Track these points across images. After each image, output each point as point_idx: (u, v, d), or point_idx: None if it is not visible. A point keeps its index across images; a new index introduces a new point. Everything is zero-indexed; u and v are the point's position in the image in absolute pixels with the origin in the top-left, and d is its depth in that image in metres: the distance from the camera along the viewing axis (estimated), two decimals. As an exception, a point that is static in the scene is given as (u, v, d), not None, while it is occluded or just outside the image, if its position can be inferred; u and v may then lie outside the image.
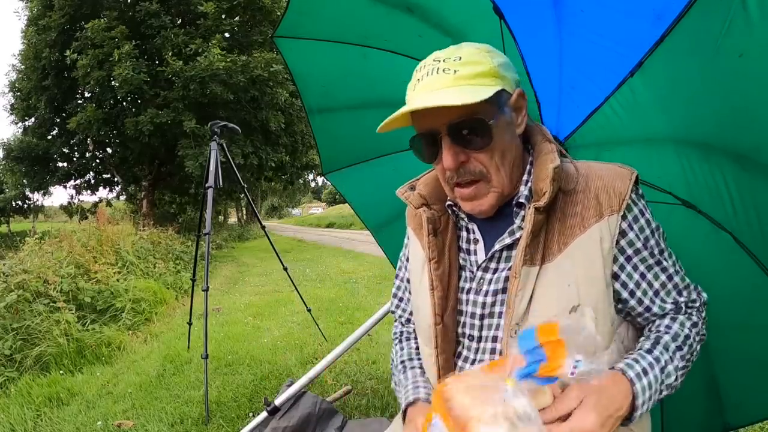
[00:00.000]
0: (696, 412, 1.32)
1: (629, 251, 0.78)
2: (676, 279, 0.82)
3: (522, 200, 0.80)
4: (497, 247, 0.82)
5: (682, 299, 0.83)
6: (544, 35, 1.08)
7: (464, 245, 0.89)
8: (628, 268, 0.79)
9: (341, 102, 1.63)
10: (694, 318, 0.83)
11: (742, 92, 0.86)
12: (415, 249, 0.94)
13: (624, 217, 0.77)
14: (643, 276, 0.80)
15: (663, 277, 0.81)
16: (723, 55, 0.82)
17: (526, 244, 0.75)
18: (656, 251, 0.80)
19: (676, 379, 0.77)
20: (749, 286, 1.07)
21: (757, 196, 0.96)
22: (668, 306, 0.82)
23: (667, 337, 0.79)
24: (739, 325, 1.14)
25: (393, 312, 1.11)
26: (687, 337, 0.79)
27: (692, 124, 1.02)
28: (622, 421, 0.70)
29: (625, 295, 0.80)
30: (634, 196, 0.79)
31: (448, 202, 0.89)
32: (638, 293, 0.80)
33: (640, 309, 0.82)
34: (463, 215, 0.87)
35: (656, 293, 0.81)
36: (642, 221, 0.79)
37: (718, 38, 0.80)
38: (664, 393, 0.76)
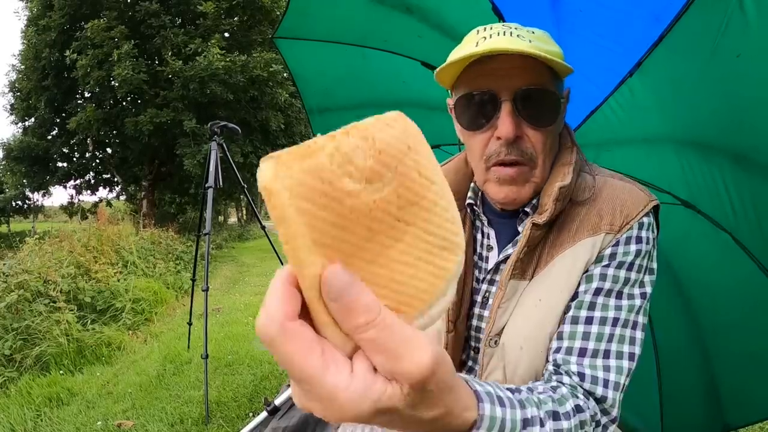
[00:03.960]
0: (696, 412, 1.32)
1: (593, 283, 0.67)
2: (612, 362, 0.63)
3: (528, 209, 0.74)
4: (501, 257, 0.77)
5: (584, 384, 0.62)
6: (543, 36, 1.09)
7: (478, 249, 0.83)
8: (579, 298, 0.68)
9: (341, 102, 1.63)
10: (580, 402, 0.59)
11: (740, 92, 0.86)
12: None
13: (616, 242, 0.67)
14: (581, 319, 0.66)
15: (597, 339, 0.65)
16: (721, 56, 0.83)
17: (518, 258, 0.70)
18: (613, 303, 0.66)
19: None
20: (748, 286, 1.07)
21: (756, 196, 0.96)
22: (572, 368, 0.64)
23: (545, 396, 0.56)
24: (738, 324, 1.14)
25: None
26: (567, 415, 0.55)
27: (691, 124, 1.02)
28: None
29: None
30: (642, 229, 0.69)
31: (468, 201, 0.82)
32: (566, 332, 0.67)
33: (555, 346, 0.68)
34: (483, 217, 0.81)
35: (574, 351, 0.65)
36: (629, 258, 0.67)
37: (716, 39, 0.81)
38: None
